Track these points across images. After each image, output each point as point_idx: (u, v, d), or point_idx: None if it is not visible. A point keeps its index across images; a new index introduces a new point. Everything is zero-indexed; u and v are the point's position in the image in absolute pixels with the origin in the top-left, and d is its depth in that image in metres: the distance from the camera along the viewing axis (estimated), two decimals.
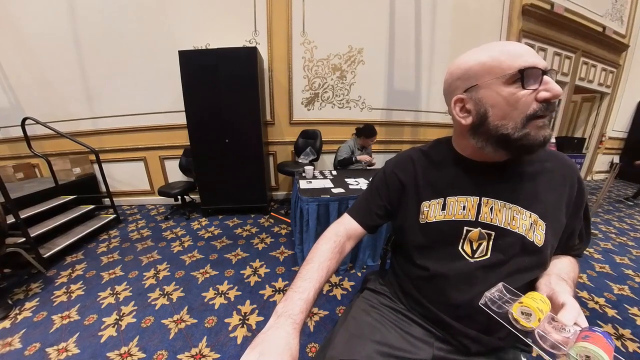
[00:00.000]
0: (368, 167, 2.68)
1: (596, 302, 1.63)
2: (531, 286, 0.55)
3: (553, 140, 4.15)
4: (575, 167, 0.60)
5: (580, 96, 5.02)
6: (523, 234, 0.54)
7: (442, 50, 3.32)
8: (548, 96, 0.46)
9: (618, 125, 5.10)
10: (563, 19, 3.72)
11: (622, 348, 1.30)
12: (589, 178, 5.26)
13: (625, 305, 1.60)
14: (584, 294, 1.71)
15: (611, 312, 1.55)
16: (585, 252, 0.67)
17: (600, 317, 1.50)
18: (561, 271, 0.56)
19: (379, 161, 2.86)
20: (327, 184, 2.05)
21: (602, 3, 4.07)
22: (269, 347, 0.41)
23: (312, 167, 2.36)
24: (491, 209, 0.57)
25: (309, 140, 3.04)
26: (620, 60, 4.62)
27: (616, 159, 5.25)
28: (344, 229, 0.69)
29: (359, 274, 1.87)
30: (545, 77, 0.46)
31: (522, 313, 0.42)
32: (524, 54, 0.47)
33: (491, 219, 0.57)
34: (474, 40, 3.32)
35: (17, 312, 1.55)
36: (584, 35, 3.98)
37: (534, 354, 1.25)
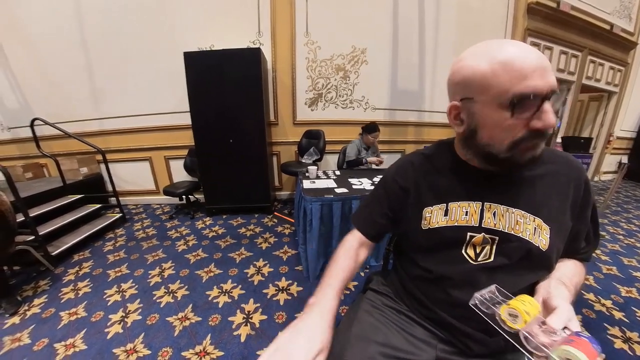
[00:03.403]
0: (375, 166, 2.64)
1: (603, 305, 1.61)
2: (533, 287, 0.55)
3: (559, 140, 4.10)
4: (581, 168, 0.59)
5: (587, 95, 4.94)
6: (527, 239, 0.54)
7: (446, 49, 3.30)
8: (539, 126, 0.44)
9: (626, 124, 5.01)
10: (569, 17, 3.67)
11: (629, 351, 1.28)
12: (596, 179, 5.18)
13: (633, 308, 1.58)
14: (591, 295, 1.69)
15: (618, 315, 1.52)
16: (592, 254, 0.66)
17: (607, 320, 1.48)
18: (563, 275, 0.56)
19: (384, 161, 2.84)
20: (331, 183, 2.05)
21: (610, 0, 4.00)
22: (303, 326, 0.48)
23: (316, 167, 2.36)
24: (494, 214, 0.57)
25: (313, 141, 3.05)
26: (629, 59, 4.54)
27: (624, 159, 5.16)
28: (356, 240, 0.72)
29: (362, 274, 1.87)
30: (544, 105, 0.44)
31: (510, 315, 0.43)
32: (529, 74, 0.42)
33: (494, 224, 0.56)
34: (478, 39, 3.24)
35: (26, 308, 1.58)
36: (591, 33, 3.92)
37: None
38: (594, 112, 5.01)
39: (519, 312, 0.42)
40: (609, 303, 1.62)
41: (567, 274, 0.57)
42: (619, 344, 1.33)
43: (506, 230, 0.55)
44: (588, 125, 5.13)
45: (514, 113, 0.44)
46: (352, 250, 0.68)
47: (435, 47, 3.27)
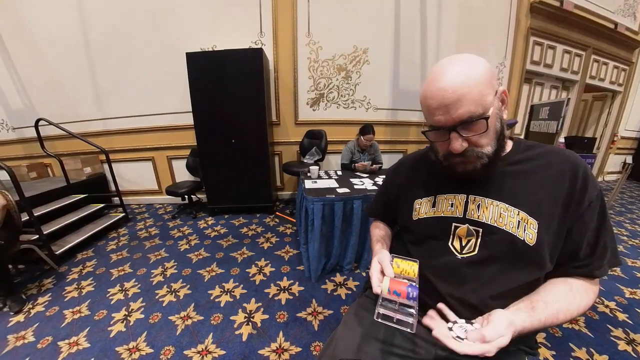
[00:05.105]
0: (370, 172, 2.42)
1: (606, 306, 1.59)
2: (531, 288, 0.54)
3: (562, 140, 4.06)
4: (577, 161, 0.54)
5: (590, 95, 4.90)
6: (511, 232, 0.53)
7: (448, 49, 3.27)
8: (450, 149, 0.53)
9: (631, 124, 4.96)
10: (573, 16, 3.64)
11: (633, 353, 1.27)
12: (600, 179, 5.13)
13: (637, 310, 1.56)
14: None
15: (622, 316, 1.51)
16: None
17: (610, 321, 1.47)
18: (539, 299, 0.50)
19: (384, 162, 2.83)
20: (332, 183, 2.06)
21: None
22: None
23: (317, 167, 2.36)
24: (478, 206, 0.58)
25: (314, 141, 3.05)
26: (633, 58, 4.50)
27: (629, 159, 5.11)
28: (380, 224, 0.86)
29: (364, 273, 1.87)
30: (451, 134, 0.51)
31: (397, 265, 0.59)
32: (433, 112, 0.51)
33: (478, 216, 0.57)
34: (481, 39, 3.28)
35: (31, 306, 1.60)
36: (595, 32, 3.89)
37: (540, 357, 1.24)
38: (598, 112, 4.96)
39: (393, 263, 0.59)
40: (612, 304, 1.61)
41: (546, 298, 0.51)
42: (622, 345, 1.31)
43: (489, 222, 0.56)
44: (592, 125, 5.08)
45: (434, 135, 0.55)
46: (377, 224, 0.86)
47: (438, 46, 3.25)
